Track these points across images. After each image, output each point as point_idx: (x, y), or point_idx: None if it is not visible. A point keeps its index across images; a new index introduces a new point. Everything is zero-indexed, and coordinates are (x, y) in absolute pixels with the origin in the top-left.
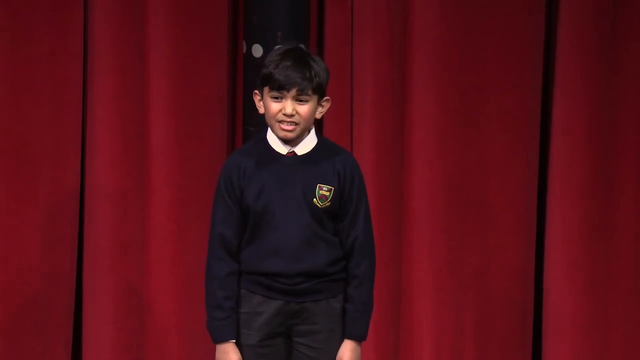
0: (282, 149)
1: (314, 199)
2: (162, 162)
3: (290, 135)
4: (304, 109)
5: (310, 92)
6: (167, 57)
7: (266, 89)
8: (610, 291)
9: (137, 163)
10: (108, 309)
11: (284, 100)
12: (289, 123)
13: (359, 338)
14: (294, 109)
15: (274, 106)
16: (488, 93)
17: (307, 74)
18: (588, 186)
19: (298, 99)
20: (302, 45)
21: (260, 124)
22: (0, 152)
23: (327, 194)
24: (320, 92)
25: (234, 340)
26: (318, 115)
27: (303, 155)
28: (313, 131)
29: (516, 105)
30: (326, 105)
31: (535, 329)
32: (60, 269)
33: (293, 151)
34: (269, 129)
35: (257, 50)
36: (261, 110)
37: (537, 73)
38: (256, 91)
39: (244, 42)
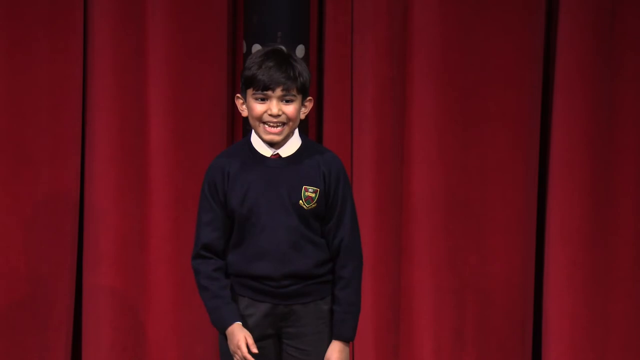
0: (266, 151)
1: (300, 201)
2: (161, 162)
3: (276, 138)
4: (289, 109)
5: (295, 91)
6: (167, 57)
7: (250, 91)
8: (610, 291)
9: (136, 163)
10: (107, 309)
11: (268, 101)
12: (275, 125)
13: (346, 339)
14: (279, 109)
15: (259, 107)
16: (488, 93)
17: (291, 74)
18: (588, 186)
19: (283, 99)
20: (282, 47)
21: None
22: (0, 152)
23: (313, 195)
24: (303, 91)
25: (239, 322)
26: (302, 116)
27: (287, 157)
28: (297, 132)
29: (516, 105)
30: (309, 105)
31: (535, 329)
32: (60, 268)
33: (277, 153)
34: (253, 132)
35: None
36: (244, 114)
37: (537, 73)
38: (238, 95)
39: (244, 42)
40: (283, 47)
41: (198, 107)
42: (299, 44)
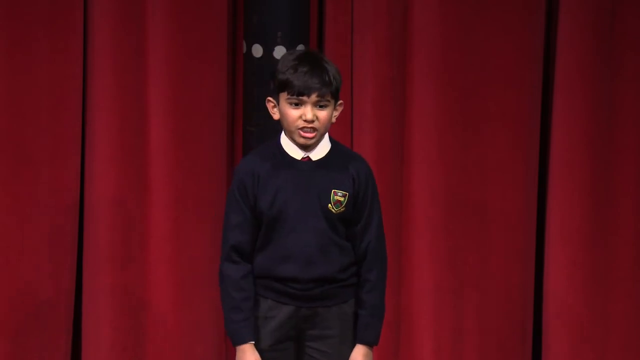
0: (296, 154)
1: (329, 205)
2: (161, 162)
3: (310, 141)
4: (323, 114)
5: (329, 96)
6: (167, 57)
7: (283, 95)
8: (610, 291)
9: (136, 163)
10: (107, 309)
11: (303, 106)
12: (310, 130)
13: (371, 343)
14: (314, 115)
15: (294, 113)
16: (488, 93)
17: (326, 79)
18: (588, 186)
19: (318, 105)
20: (313, 50)
21: (260, 123)
22: (0, 152)
23: (342, 199)
24: (336, 96)
25: (253, 342)
26: (333, 120)
27: (318, 160)
28: (327, 136)
29: (516, 105)
30: (340, 109)
31: (535, 329)
32: (60, 268)
33: (308, 156)
34: (283, 134)
35: (257, 50)
36: (276, 117)
37: (537, 73)
38: (269, 98)
39: (244, 42)
40: (314, 50)
41: (198, 107)
42: (299, 44)
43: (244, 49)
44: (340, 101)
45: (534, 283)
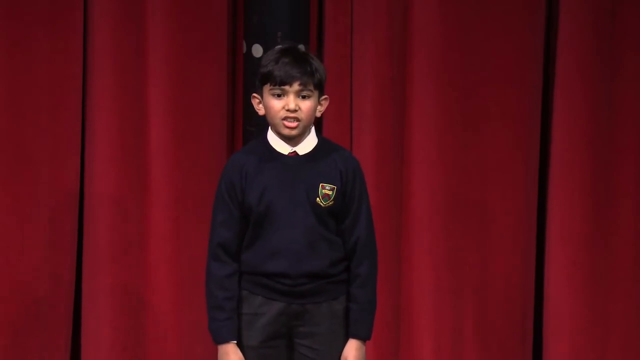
0: (283, 149)
1: (317, 199)
2: (161, 162)
3: (294, 132)
4: (306, 104)
5: (312, 87)
6: (167, 57)
7: (266, 87)
8: (610, 291)
9: (136, 163)
10: (107, 309)
11: (285, 96)
12: (292, 119)
13: (364, 337)
14: (296, 105)
15: (276, 103)
16: (488, 93)
17: (308, 69)
18: (588, 186)
19: (300, 95)
20: (298, 45)
21: (260, 123)
22: (0, 152)
23: (330, 193)
24: (320, 88)
25: (235, 341)
26: (317, 114)
27: (305, 154)
28: (313, 130)
29: (516, 105)
30: (325, 103)
31: (535, 329)
32: (60, 268)
33: (294, 151)
34: (270, 129)
35: (257, 50)
36: (261, 112)
37: (537, 73)
38: (254, 94)
39: (244, 42)
40: (300, 45)
41: (198, 107)
42: (299, 44)
43: (244, 49)
44: (325, 96)
45: (534, 283)
